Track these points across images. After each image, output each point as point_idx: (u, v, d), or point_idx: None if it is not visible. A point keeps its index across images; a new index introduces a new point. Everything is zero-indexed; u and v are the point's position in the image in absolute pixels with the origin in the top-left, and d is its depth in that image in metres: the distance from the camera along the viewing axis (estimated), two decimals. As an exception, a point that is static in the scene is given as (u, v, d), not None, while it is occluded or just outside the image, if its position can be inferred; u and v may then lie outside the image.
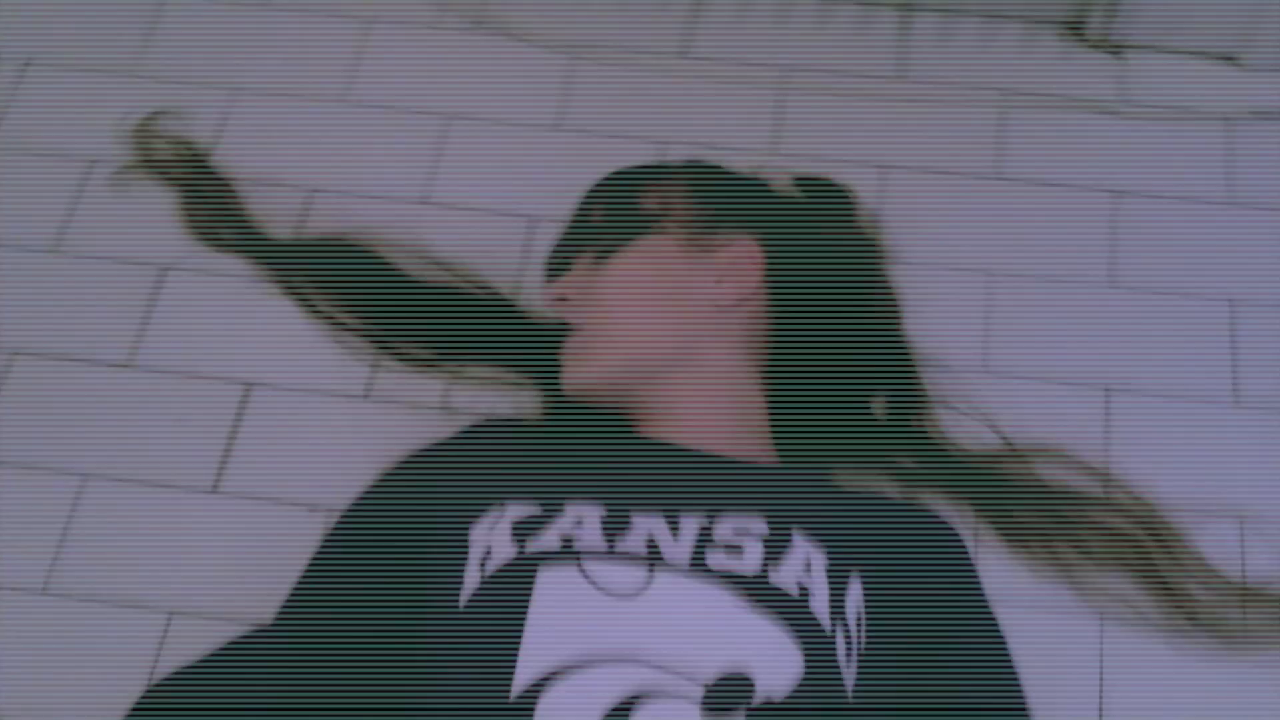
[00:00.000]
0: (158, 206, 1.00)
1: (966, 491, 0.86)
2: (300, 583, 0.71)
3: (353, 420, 0.91)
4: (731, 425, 0.76)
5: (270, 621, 0.69)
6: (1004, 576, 0.83)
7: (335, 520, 0.75)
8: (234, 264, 0.97)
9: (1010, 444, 0.88)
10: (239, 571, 0.85)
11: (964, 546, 0.75)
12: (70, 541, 0.87)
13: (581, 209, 0.85)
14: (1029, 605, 0.83)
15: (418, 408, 0.91)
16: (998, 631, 0.69)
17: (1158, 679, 0.81)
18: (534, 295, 0.94)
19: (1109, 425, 0.90)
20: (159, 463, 0.90)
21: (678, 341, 0.76)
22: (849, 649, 0.63)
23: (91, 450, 0.90)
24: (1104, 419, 0.91)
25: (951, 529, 0.76)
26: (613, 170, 0.86)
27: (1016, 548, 0.85)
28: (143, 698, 0.65)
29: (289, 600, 0.70)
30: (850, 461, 0.86)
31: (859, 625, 0.65)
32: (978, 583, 0.72)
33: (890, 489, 0.87)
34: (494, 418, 0.86)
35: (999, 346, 0.94)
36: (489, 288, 0.95)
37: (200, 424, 0.91)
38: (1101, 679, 0.82)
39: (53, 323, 0.96)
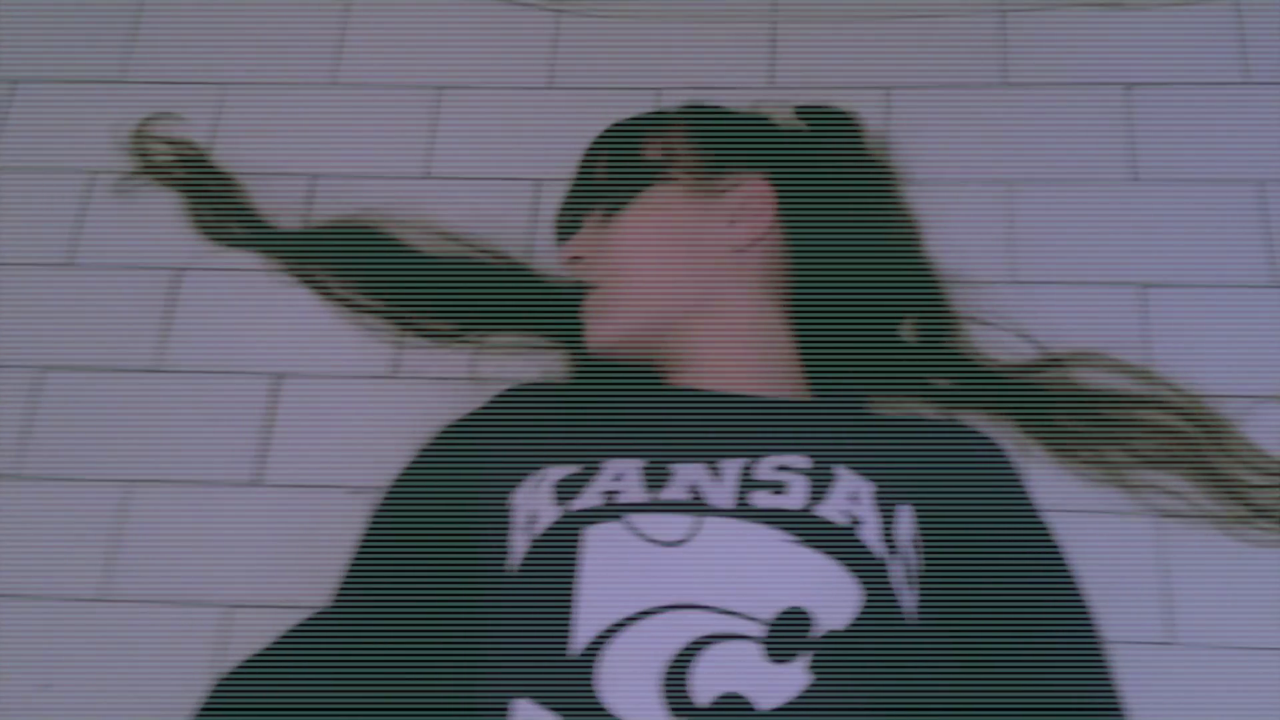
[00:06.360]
0: (165, 210, 1.00)
1: (1007, 406, 0.85)
2: (353, 564, 0.71)
3: (383, 400, 0.91)
4: (760, 365, 0.75)
5: (328, 604, 0.70)
6: (1054, 487, 0.82)
7: (379, 499, 0.75)
8: (247, 259, 0.97)
9: (1046, 352, 0.87)
10: (289, 560, 0.86)
11: (1007, 459, 0.74)
12: (120, 548, 0.88)
13: (585, 166, 0.84)
14: (1082, 512, 0.82)
15: (446, 381, 0.91)
16: (1050, 540, 0.68)
17: (1223, 570, 0.81)
18: (547, 258, 0.93)
19: (1145, 322, 0.89)
20: (198, 462, 0.90)
21: (697, 288, 0.75)
22: (906, 574, 0.62)
23: (131, 457, 0.91)
24: (1139, 316, 0.89)
25: (993, 442, 0.75)
26: (611, 123, 0.84)
27: (1064, 457, 0.84)
28: (217, 688, 0.64)
29: (345, 582, 0.70)
30: (885, 389, 0.85)
31: (913, 549, 0.64)
32: (1025, 493, 0.71)
33: (928, 412, 0.86)
34: (523, 383, 0.86)
35: (1025, 255, 0.92)
36: (501, 255, 0.94)
37: (233, 419, 0.92)
38: (1167, 578, 0.81)
39: (77, 336, 0.96)
